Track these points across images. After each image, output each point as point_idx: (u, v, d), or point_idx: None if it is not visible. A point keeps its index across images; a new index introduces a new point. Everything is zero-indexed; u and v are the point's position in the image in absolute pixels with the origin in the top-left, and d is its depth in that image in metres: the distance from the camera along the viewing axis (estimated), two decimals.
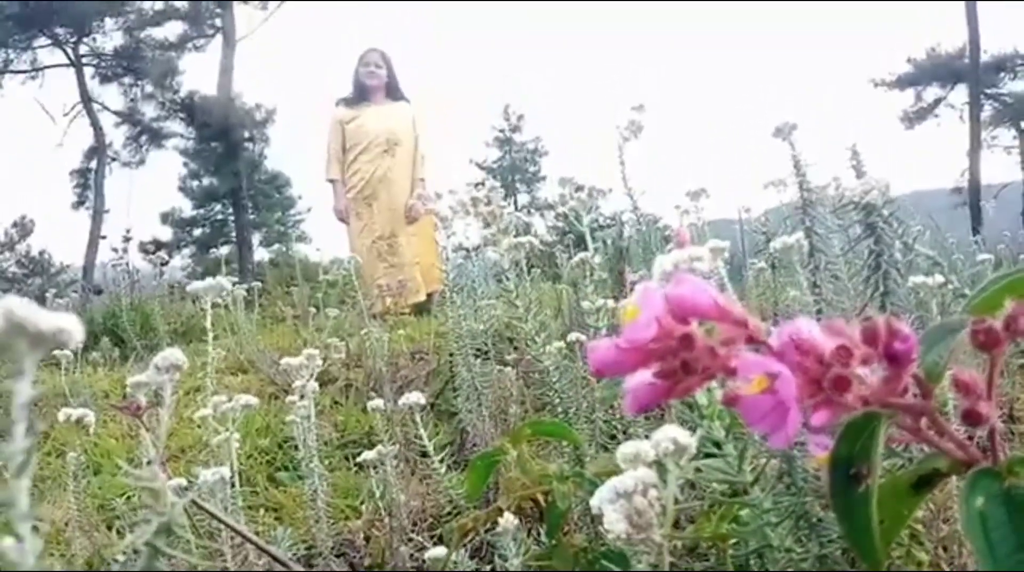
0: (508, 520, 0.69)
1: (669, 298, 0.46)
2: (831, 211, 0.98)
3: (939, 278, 0.76)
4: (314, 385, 1.08)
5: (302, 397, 1.10)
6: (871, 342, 0.45)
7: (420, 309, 4.58)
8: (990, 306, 0.51)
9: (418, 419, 1.06)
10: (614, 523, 0.53)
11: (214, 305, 1.13)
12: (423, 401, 1.08)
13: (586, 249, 1.40)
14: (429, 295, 4.99)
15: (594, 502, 0.55)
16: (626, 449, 0.57)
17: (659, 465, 0.58)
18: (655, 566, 0.57)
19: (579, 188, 1.36)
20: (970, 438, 0.50)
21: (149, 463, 1.23)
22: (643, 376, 0.48)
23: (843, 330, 0.46)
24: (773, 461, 0.70)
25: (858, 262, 0.94)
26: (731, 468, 0.64)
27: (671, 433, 0.55)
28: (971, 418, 0.41)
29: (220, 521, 0.68)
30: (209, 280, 1.06)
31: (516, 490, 0.85)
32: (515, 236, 1.30)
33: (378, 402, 1.09)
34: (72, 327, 0.35)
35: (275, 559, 0.71)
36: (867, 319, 0.46)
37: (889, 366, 0.45)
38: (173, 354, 0.87)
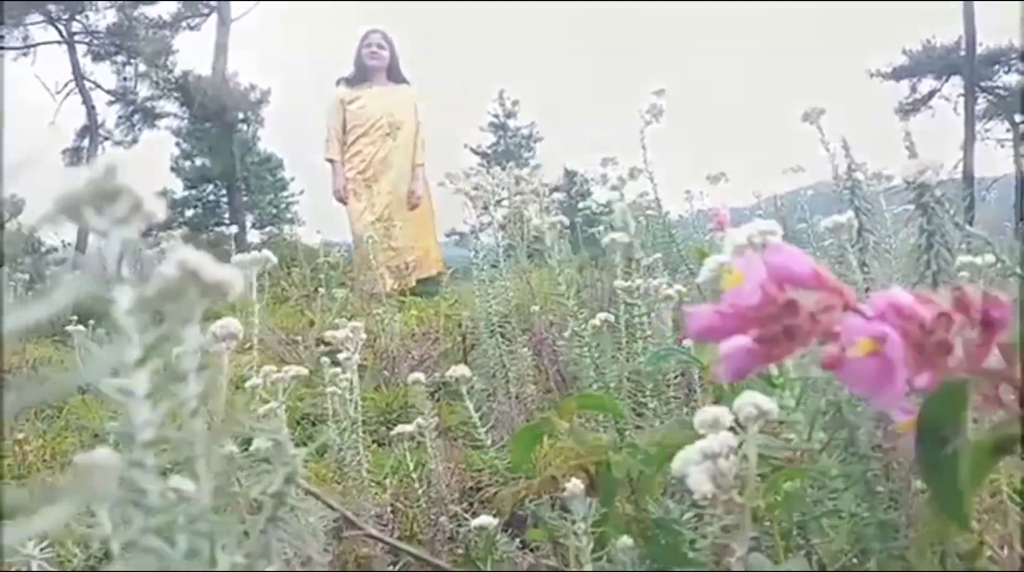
0: (575, 485, 0.71)
1: (771, 265, 0.48)
2: (877, 194, 1.01)
3: (989, 258, 0.78)
4: (357, 357, 1.10)
5: (343, 369, 1.11)
6: (963, 310, 0.47)
7: (414, 293, 4.56)
8: None
9: (464, 391, 1.08)
10: (700, 484, 0.55)
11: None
12: (469, 373, 1.10)
13: (614, 230, 1.41)
14: (421, 281, 4.94)
15: (676, 465, 0.57)
16: (705, 415, 0.59)
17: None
18: (732, 527, 0.59)
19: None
20: None
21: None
22: (739, 342, 0.50)
23: (934, 298, 0.48)
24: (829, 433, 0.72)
25: (899, 243, 0.97)
26: (800, 437, 0.66)
27: (754, 399, 0.57)
28: None
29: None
30: (254, 253, 1.07)
31: (568, 460, 0.87)
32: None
33: (418, 376, 1.11)
34: (234, 278, 0.36)
35: (352, 523, 0.73)
36: (957, 289, 0.48)
37: (983, 332, 0.47)
38: (231, 323, 0.89)
